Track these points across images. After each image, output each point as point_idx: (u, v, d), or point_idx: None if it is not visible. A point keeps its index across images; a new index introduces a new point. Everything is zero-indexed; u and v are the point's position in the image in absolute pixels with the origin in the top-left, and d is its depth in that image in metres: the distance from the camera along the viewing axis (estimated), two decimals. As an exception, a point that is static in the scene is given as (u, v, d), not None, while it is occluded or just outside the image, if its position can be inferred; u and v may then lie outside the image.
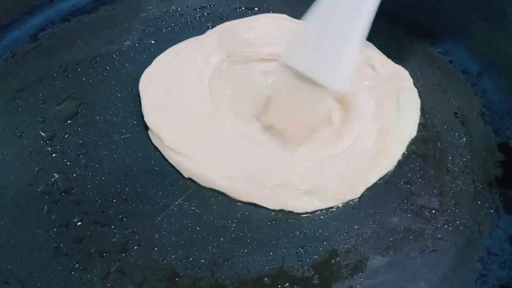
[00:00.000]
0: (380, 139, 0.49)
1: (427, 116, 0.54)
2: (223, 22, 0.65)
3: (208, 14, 0.69)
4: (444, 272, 0.40)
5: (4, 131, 0.49)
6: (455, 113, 0.55)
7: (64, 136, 0.49)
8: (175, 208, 0.44)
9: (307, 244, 0.42)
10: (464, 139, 0.52)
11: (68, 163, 0.47)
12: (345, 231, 0.43)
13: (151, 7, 0.69)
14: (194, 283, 0.39)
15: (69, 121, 0.51)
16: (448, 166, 0.49)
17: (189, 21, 0.67)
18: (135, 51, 0.60)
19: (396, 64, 0.58)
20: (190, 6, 0.70)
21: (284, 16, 0.66)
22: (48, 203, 0.43)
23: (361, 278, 0.39)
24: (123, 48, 0.61)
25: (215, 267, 0.40)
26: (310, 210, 0.44)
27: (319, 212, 0.44)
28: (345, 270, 0.40)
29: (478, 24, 0.62)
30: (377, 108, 0.52)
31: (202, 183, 0.46)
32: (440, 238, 0.42)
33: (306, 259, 0.41)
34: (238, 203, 0.45)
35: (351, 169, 0.46)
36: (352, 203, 0.45)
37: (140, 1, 0.69)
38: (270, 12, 0.70)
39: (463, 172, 0.48)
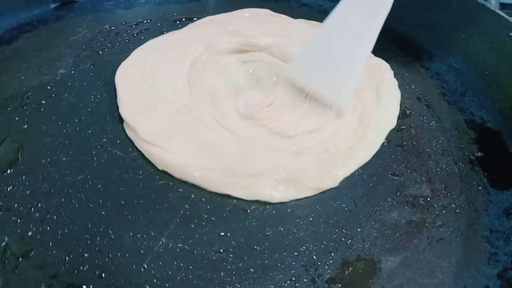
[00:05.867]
0: (360, 129, 0.48)
1: (393, 104, 0.54)
2: (164, 37, 0.61)
3: (146, 29, 0.63)
4: (457, 259, 0.39)
5: None
6: (418, 98, 0.55)
7: (6, 190, 0.41)
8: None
9: (311, 257, 0.38)
10: (433, 122, 0.52)
11: (19, 220, 0.39)
12: (349, 237, 0.40)
13: (81, 29, 0.62)
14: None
15: (9, 171, 0.43)
16: (428, 151, 0.48)
17: (127, 39, 0.61)
18: (73, 79, 0.54)
19: (377, 57, 0.57)
20: (125, 23, 0.64)
21: (267, 10, 0.65)
22: (4, 273, 0.35)
23: (380, 284, 0.37)
24: (57, 78, 0.54)
25: None
26: (285, 200, 0.42)
27: (312, 213, 0.41)
28: (361, 279, 0.37)
29: (422, 13, 0.63)
30: (357, 99, 0.51)
31: (177, 175, 0.43)
32: (442, 225, 0.41)
33: (317, 274, 0.37)
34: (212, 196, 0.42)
35: (329, 158, 0.45)
36: (347, 207, 0.42)
37: (67, 24, 0.63)
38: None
39: (443, 154, 0.48)
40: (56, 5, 0.66)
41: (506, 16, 0.53)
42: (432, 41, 0.62)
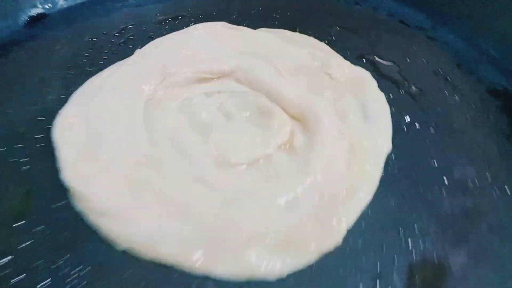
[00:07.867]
0: (354, 161, 0.41)
1: (412, 83, 0.51)
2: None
3: (132, 36, 0.58)
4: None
5: None
6: (434, 72, 0.53)
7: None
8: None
9: (375, 268, 0.36)
10: (456, 96, 0.50)
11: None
12: (407, 235, 0.38)
13: (60, 46, 0.56)
14: None
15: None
16: (459, 129, 0.47)
17: (114, 50, 0.56)
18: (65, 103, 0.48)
19: (356, 66, 0.51)
20: (107, 32, 0.58)
21: (222, 23, 0.58)
22: None
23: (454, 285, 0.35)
24: (48, 105, 0.48)
25: None
26: (284, 274, 0.34)
27: (364, 215, 0.38)
28: (434, 284, 0.35)
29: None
30: (343, 122, 0.44)
31: (147, 254, 0.35)
32: (497, 208, 0.40)
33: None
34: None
35: (327, 207, 0.37)
36: (395, 203, 0.40)
37: (43, 42, 0.56)
38: (199, 17, 0.62)
39: (474, 127, 0.47)
40: (25, 21, 0.59)
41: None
42: (433, 8, 0.59)
